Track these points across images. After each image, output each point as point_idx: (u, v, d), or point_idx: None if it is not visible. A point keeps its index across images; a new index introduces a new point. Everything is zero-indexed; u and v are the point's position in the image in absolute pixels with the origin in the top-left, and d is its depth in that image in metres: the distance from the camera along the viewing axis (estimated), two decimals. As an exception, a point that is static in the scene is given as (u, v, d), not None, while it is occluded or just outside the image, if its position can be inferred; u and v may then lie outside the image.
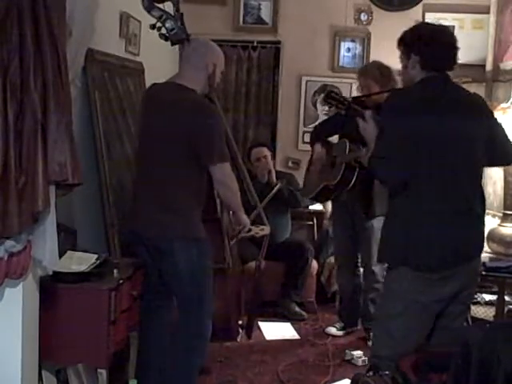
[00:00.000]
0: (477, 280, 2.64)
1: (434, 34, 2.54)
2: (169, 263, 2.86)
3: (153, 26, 3.03)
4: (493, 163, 2.67)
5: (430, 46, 2.49)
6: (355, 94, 4.09)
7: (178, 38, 3.03)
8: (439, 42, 2.50)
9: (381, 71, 3.94)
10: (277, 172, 4.85)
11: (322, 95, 5.09)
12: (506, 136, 2.60)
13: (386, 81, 3.91)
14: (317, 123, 4.81)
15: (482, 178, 2.57)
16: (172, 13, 3.03)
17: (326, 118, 4.86)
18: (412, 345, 2.42)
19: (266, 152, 4.77)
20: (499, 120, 2.66)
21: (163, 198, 2.82)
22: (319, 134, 4.19)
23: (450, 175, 2.41)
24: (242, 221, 3.12)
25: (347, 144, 3.77)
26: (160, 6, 3.05)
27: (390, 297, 2.54)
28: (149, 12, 3.03)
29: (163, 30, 3.02)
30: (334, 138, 4.11)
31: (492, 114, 2.63)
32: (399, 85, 3.80)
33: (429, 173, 2.39)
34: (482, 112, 2.54)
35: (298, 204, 4.79)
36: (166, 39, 3.03)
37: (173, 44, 3.12)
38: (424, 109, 2.40)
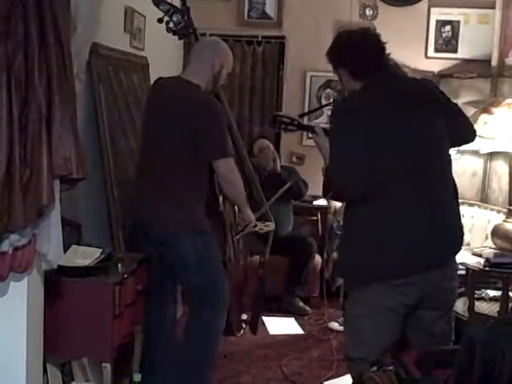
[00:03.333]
0: (451, 285, 2.44)
1: (349, 43, 2.40)
2: (176, 256, 2.88)
3: (160, 20, 3.06)
4: (454, 145, 2.54)
5: (349, 56, 2.37)
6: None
7: (185, 31, 3.07)
8: (357, 50, 2.37)
9: None
10: (280, 167, 4.86)
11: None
12: (460, 115, 2.49)
13: None
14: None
15: (451, 167, 2.43)
16: (179, 7, 3.07)
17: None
18: (382, 346, 2.38)
19: (268, 143, 4.84)
20: (452, 99, 2.50)
21: (166, 193, 2.84)
22: None
23: (415, 173, 2.29)
24: (247, 217, 3.12)
25: None
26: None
27: (355, 300, 2.46)
28: (157, 6, 3.05)
29: (171, 24, 3.05)
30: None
31: (443, 96, 2.47)
32: None
33: (392, 176, 2.27)
34: (434, 99, 2.40)
35: (303, 196, 4.87)
36: (174, 33, 3.06)
37: (180, 38, 3.17)
38: (373, 112, 2.28)
